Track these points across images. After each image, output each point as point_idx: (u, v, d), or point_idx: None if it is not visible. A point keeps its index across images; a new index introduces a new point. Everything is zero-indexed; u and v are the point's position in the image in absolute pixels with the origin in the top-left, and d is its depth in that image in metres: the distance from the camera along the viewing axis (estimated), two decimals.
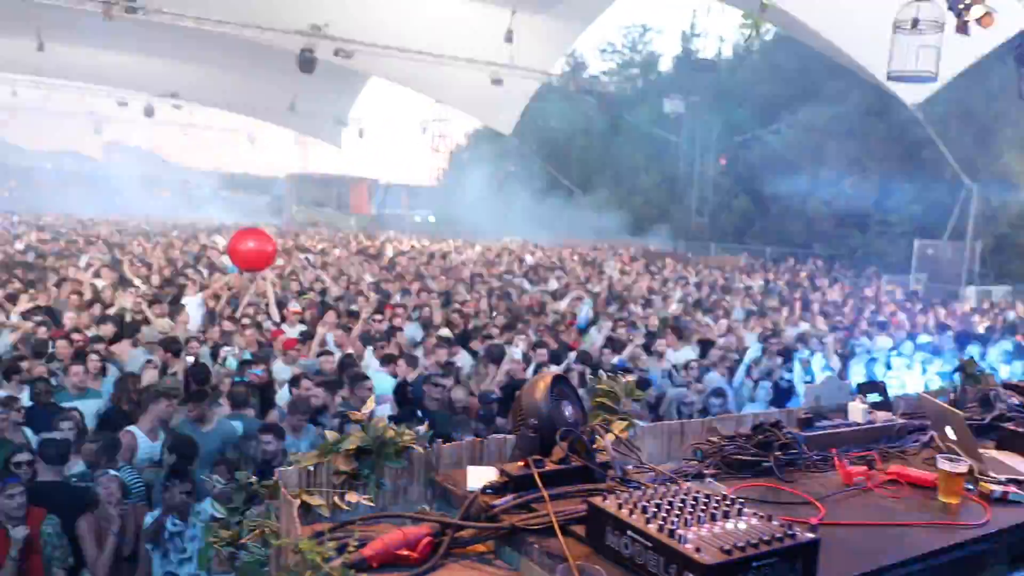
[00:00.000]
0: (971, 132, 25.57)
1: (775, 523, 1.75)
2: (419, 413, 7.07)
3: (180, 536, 5.19)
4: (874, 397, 3.14)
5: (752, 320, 12.92)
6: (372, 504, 2.15)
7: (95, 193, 47.19)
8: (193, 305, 11.38)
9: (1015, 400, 3.23)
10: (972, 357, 3.89)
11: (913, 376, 9.56)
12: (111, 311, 10.90)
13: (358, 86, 37.94)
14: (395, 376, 8.53)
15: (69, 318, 10.00)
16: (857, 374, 9.41)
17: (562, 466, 2.13)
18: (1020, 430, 2.84)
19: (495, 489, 2.06)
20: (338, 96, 37.68)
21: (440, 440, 2.46)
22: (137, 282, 13.59)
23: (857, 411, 2.99)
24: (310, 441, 6.51)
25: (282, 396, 7.80)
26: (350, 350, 9.45)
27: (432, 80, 28.05)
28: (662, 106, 29.22)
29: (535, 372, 8.51)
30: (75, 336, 8.91)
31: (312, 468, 2.17)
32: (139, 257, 17.64)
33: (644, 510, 1.77)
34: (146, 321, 10.29)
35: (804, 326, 12.82)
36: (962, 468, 2.28)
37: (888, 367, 9.92)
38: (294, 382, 7.70)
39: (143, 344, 9.20)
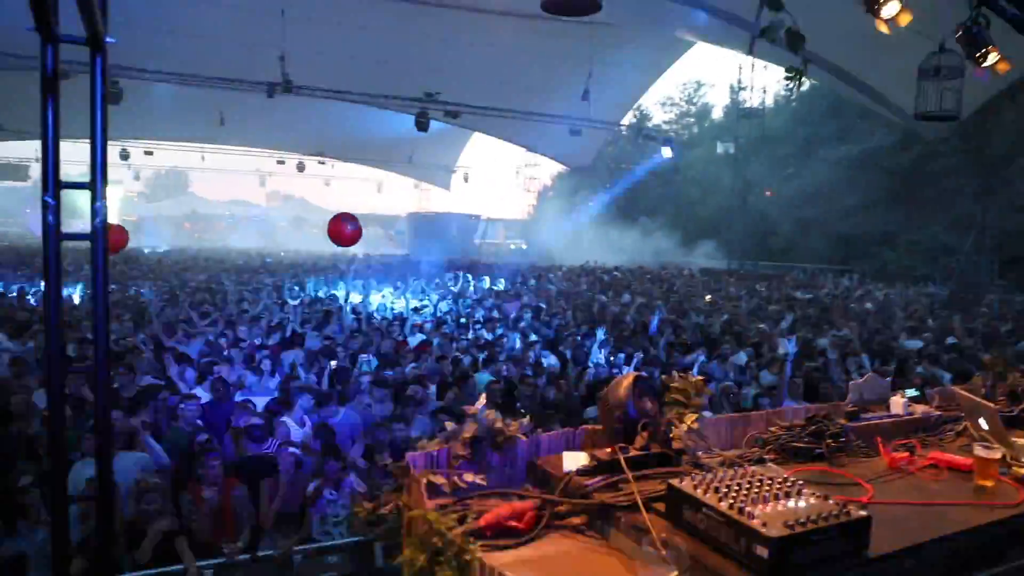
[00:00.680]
0: (987, 161, 24.32)
1: (831, 502, 1.67)
2: (518, 407, 7.07)
3: (334, 504, 5.31)
4: (911, 392, 3.00)
5: (798, 326, 12.45)
6: (484, 483, 2.15)
7: (260, 233, 49.30)
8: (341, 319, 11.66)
9: None
10: (1001, 356, 3.65)
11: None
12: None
13: (464, 140, 38.58)
14: (496, 375, 8.55)
15: (241, 331, 10.41)
16: (892, 372, 8.91)
17: (643, 452, 2.09)
18: None
19: (587, 471, 2.03)
20: (448, 149, 38.46)
21: (540, 429, 2.44)
22: (293, 302, 14.05)
23: (898, 404, 2.86)
24: (421, 430, 6.53)
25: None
26: (456, 355, 9.53)
27: (523, 133, 28.34)
28: (715, 148, 28.59)
29: (614, 374, 8.40)
30: (245, 344, 9.27)
31: (435, 453, 2.19)
32: (296, 282, 18.27)
33: (716, 490, 1.72)
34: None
35: (844, 331, 12.27)
36: (996, 454, 2.15)
37: (918, 367, 9.36)
38: (417, 381, 7.81)
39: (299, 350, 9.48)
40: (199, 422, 6.47)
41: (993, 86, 11.64)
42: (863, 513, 1.64)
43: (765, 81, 33.91)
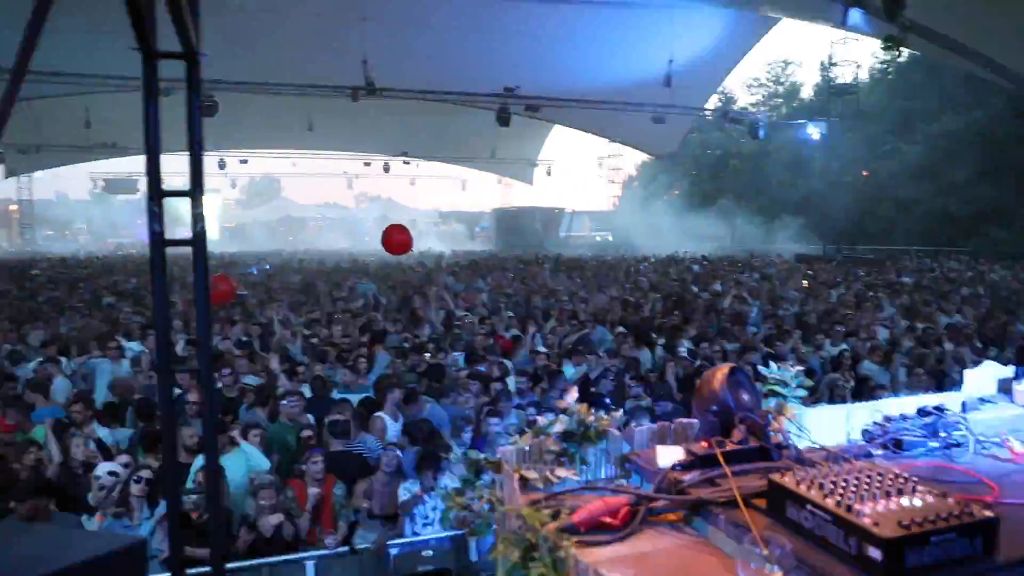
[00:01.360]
0: None
1: (950, 500, 1.55)
2: (606, 400, 7.00)
3: (424, 505, 5.37)
4: None
5: (903, 314, 11.82)
6: (577, 478, 2.13)
7: (349, 233, 50.85)
8: (431, 316, 11.84)
9: None
10: None
11: None
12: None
13: (545, 133, 38.58)
14: (580, 368, 8.49)
15: (337, 330, 10.70)
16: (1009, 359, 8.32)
17: (741, 446, 2.01)
18: None
19: (683, 466, 1.97)
20: (529, 143, 38.52)
21: (631, 423, 2.39)
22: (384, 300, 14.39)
23: (1021, 394, 2.63)
24: (512, 424, 6.52)
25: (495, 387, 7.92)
26: (544, 349, 9.50)
27: (605, 123, 28.02)
28: (805, 128, 27.42)
29: (707, 365, 8.19)
30: (342, 342, 9.55)
31: (527, 447, 2.18)
32: (386, 282, 18.67)
33: (821, 486, 1.62)
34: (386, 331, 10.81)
35: (956, 316, 11.56)
36: None
37: None
38: (505, 375, 7.85)
39: (385, 348, 9.60)
40: (310, 417, 6.70)
41: None
42: (988, 513, 1.51)
43: (858, 55, 32.31)
